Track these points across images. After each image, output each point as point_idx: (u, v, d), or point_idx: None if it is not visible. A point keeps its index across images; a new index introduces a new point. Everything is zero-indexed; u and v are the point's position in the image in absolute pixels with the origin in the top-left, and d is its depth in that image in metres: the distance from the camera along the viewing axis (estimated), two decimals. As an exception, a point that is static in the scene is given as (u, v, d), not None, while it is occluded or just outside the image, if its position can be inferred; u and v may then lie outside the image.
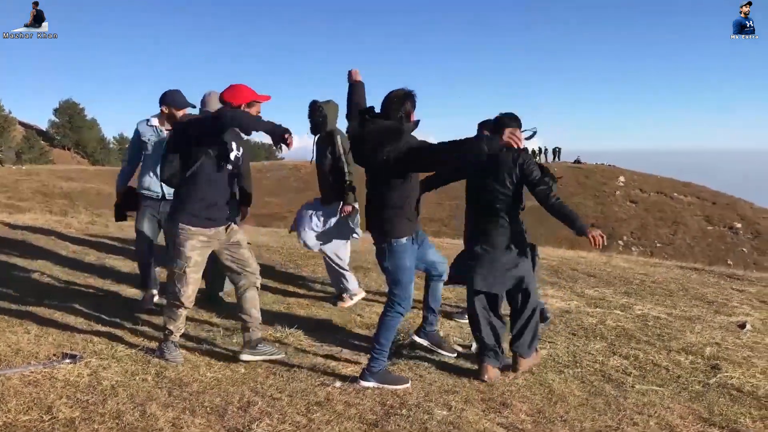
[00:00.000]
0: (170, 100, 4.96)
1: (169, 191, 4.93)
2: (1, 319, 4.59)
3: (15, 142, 66.70)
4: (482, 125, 5.21)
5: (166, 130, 5.04)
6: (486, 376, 4.14)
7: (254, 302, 4.19)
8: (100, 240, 8.48)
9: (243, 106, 3.95)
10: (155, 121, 5.14)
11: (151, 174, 5.09)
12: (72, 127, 75.35)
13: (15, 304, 5.04)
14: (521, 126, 4.24)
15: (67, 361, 3.81)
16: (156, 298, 5.29)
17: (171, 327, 4.05)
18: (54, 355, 3.96)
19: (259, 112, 4.04)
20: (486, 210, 4.31)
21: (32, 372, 3.61)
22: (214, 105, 5.25)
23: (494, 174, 4.22)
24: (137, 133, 5.17)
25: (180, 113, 4.93)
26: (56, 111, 76.47)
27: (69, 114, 75.93)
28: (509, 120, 4.21)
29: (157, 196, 5.13)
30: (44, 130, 79.48)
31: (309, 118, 5.63)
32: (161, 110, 5.01)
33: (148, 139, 5.11)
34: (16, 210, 22.47)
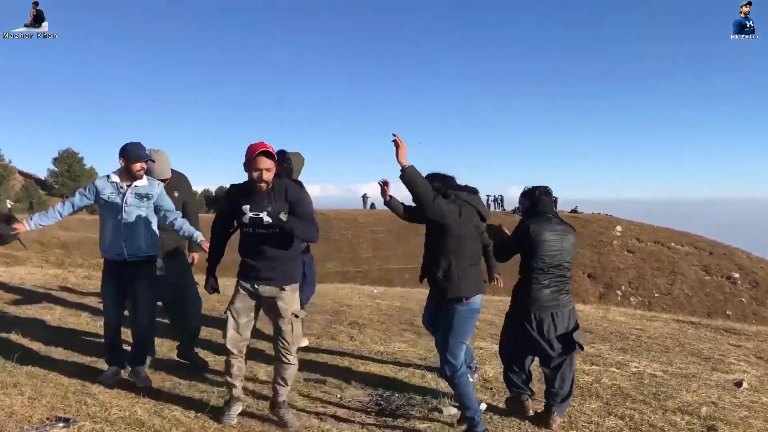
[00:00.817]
0: (123, 152, 4.65)
1: (131, 253, 4.70)
2: (-5, 380, 4.57)
3: (14, 192, 66.99)
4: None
5: (126, 185, 4.70)
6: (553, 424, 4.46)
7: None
8: (95, 297, 8.46)
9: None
10: (116, 177, 4.73)
11: (113, 235, 4.71)
12: (71, 176, 75.73)
13: (9, 364, 5.01)
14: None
15: (61, 425, 3.79)
16: (122, 373, 4.93)
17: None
18: (47, 418, 3.94)
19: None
20: (561, 275, 4.49)
21: (25, 437, 3.60)
22: (158, 166, 5.05)
23: (570, 240, 4.50)
24: (94, 189, 4.73)
25: (137, 166, 4.65)
26: (55, 160, 77.01)
27: (68, 163, 76.43)
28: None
29: (121, 259, 4.72)
30: (43, 179, 79.88)
31: None
32: (120, 163, 4.70)
33: (108, 197, 4.69)
34: (12, 260, 22.41)
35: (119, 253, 4.71)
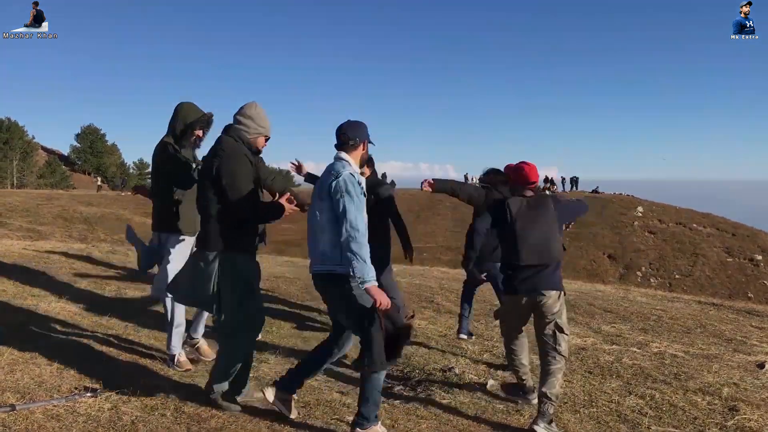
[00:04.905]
0: (368, 135, 3.72)
1: None
2: (25, 350, 4.67)
3: (37, 167, 67.92)
4: None
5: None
6: None
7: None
8: (120, 271, 8.59)
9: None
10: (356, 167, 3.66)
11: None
12: (93, 152, 76.65)
13: (38, 335, 5.13)
14: None
15: (89, 394, 3.88)
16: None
17: None
18: (76, 388, 4.04)
19: None
20: None
21: (55, 406, 3.69)
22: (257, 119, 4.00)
23: None
24: (361, 186, 3.55)
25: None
26: (78, 136, 77.88)
27: (90, 139, 77.30)
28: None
29: None
30: (66, 155, 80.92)
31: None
32: (360, 149, 3.66)
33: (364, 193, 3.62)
34: (36, 235, 22.77)
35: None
